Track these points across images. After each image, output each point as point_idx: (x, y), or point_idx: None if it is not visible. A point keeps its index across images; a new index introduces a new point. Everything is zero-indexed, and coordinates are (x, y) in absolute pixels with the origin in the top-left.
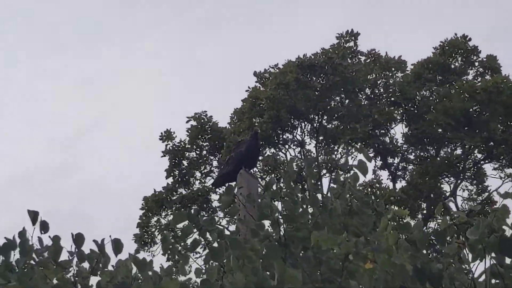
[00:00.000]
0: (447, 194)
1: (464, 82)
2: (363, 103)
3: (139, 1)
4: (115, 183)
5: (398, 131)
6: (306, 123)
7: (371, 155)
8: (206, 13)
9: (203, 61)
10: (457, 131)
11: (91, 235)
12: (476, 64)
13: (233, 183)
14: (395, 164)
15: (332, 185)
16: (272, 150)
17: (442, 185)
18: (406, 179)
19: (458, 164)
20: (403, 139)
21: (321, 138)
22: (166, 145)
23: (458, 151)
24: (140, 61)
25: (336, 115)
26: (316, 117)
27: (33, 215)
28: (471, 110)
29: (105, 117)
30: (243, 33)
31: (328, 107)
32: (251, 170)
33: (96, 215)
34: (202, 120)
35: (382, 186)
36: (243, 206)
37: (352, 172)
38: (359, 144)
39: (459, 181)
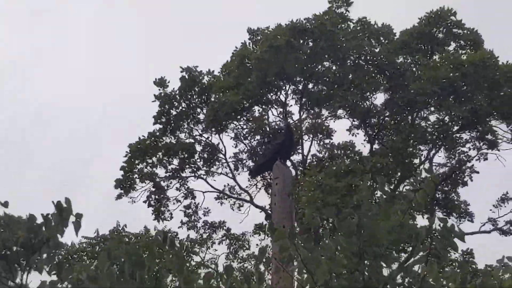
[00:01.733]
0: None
1: (449, 53)
2: (350, 69)
3: None
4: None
5: (380, 99)
6: (291, 85)
7: (353, 121)
8: None
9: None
10: (443, 100)
11: None
12: (460, 36)
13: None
14: (371, 125)
15: None
16: (257, 108)
17: (421, 152)
18: (383, 141)
19: (437, 133)
20: (384, 106)
21: (304, 100)
22: (159, 92)
23: (433, 119)
24: None
25: (324, 79)
26: (302, 80)
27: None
28: (456, 81)
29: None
30: None
31: (316, 70)
32: (286, 161)
33: None
34: (192, 74)
35: (357, 151)
36: (278, 195)
37: None
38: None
39: (436, 148)
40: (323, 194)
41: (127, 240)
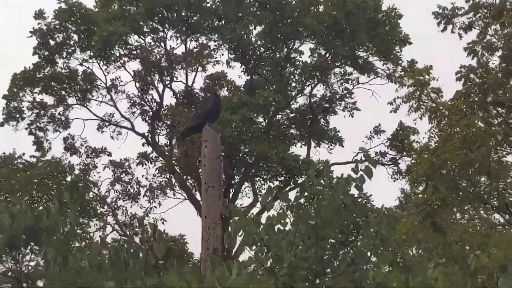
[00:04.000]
0: None
1: None
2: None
3: None
4: None
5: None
6: (175, 16)
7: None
8: None
9: None
10: (327, 38)
11: None
12: None
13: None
14: (249, 57)
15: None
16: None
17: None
18: (261, 73)
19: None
20: (262, 38)
21: (188, 32)
22: (38, 24)
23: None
24: None
25: (208, 12)
26: (188, 12)
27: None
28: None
29: None
30: None
31: (201, 3)
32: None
33: None
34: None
35: (228, 80)
36: (207, 157)
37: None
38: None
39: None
40: (220, 126)
41: (22, 167)
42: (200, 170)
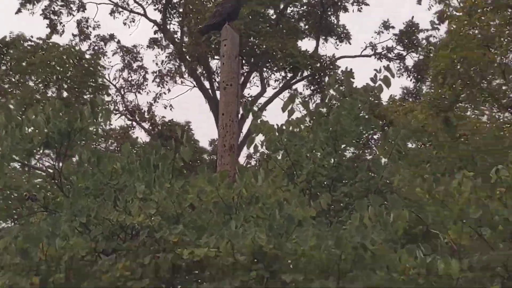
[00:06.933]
0: None
1: None
2: None
3: None
4: None
5: None
6: None
7: None
8: None
9: None
10: None
11: None
12: None
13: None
14: None
15: None
16: None
17: None
18: None
19: None
20: None
21: None
22: None
23: None
24: None
25: None
26: None
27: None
28: None
29: None
30: None
31: None
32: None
33: None
34: None
35: None
36: (226, 56)
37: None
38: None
39: None
40: None
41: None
42: (210, 60)
